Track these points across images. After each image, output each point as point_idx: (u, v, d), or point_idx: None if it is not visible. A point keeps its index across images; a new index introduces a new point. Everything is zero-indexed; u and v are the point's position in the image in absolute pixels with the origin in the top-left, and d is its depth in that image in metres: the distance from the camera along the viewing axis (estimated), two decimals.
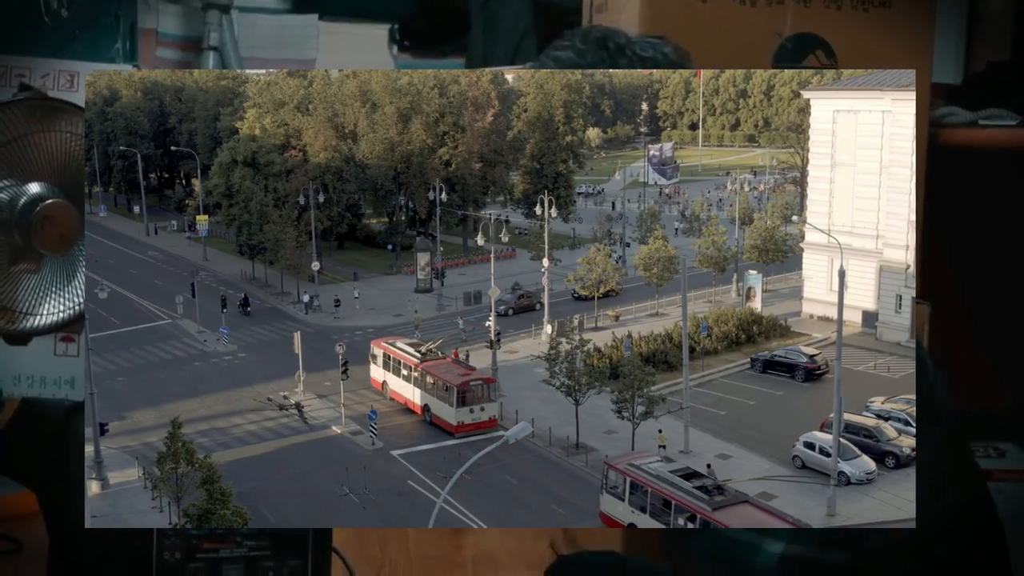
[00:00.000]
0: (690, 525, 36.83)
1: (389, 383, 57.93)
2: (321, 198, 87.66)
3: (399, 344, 58.92)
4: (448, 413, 52.23)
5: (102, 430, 46.62)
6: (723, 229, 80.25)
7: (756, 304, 72.60)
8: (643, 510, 39.29)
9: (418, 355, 55.99)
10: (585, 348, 52.83)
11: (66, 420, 20.49)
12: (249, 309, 77.41)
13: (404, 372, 56.34)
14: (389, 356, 58.13)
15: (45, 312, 18.88)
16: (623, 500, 40.49)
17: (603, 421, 51.16)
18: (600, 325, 71.55)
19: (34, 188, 18.24)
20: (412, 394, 55.54)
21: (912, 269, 59.54)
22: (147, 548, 16.31)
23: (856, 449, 45.99)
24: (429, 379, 54.11)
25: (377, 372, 59.24)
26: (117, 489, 45.21)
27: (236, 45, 22.67)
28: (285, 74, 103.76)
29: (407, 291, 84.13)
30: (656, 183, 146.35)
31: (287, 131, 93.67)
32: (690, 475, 39.66)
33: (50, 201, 17.89)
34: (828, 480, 42.91)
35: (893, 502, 42.21)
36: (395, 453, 50.02)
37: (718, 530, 33.64)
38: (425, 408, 53.92)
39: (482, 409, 52.17)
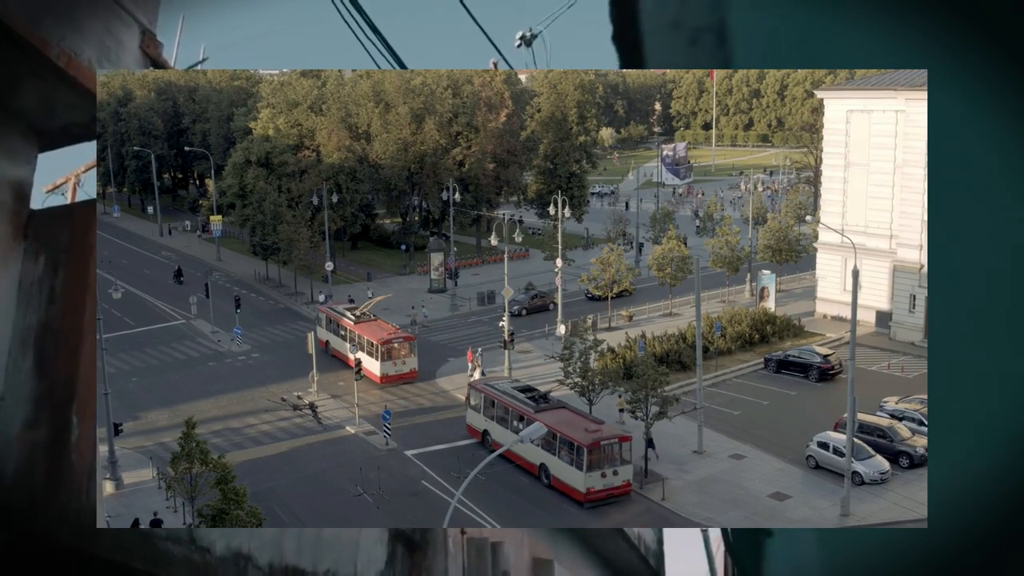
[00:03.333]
0: (520, 426, 46.41)
1: (331, 342, 65.02)
2: (335, 198, 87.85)
3: (338, 308, 67.20)
4: (375, 366, 59.83)
5: (116, 430, 46.78)
6: (737, 229, 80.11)
7: (770, 304, 72.48)
8: (492, 418, 49.82)
9: (353, 317, 63.94)
10: (599, 348, 52.87)
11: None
12: (183, 279, 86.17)
13: (341, 332, 64.49)
14: (330, 319, 66.34)
15: None
16: (480, 412, 50.91)
17: (616, 421, 51.18)
18: (614, 325, 71.53)
19: None
20: (347, 351, 62.94)
21: (926, 269, 59.46)
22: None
23: (870, 449, 45.92)
24: (360, 338, 61.85)
25: (322, 333, 66.50)
26: (131, 489, 45.36)
27: None
28: (299, 74, 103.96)
29: (420, 291, 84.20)
30: (668, 183, 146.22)
31: (300, 131, 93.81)
32: (526, 390, 50.43)
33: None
34: (842, 480, 42.86)
35: (906, 503, 42.12)
36: (409, 453, 50.06)
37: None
38: (357, 362, 57.91)
39: (404, 362, 60.71)
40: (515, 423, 47.80)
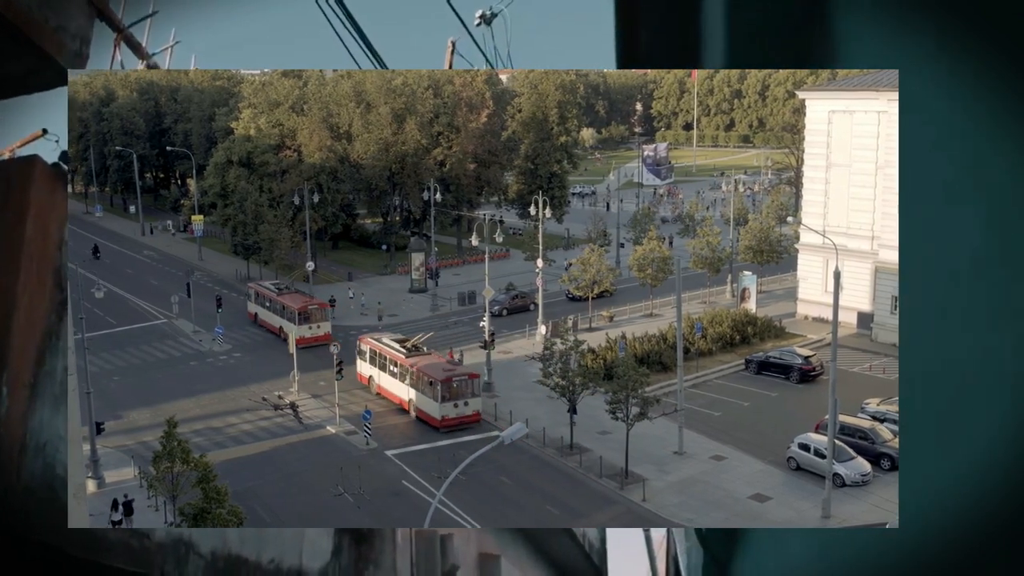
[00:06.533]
0: (394, 370, 56.22)
1: (259, 314, 74.51)
2: (316, 198, 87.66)
3: (265, 284, 77.04)
4: (292, 330, 66.29)
5: (98, 429, 46.69)
6: (718, 230, 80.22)
7: (751, 305, 72.67)
8: (375, 365, 58.51)
9: (276, 290, 73.97)
10: (579, 349, 52.92)
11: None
12: (99, 255, 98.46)
13: (267, 304, 73.68)
14: (259, 294, 75.50)
15: None
16: (366, 361, 59.47)
17: (597, 422, 51.19)
18: (594, 326, 71.57)
19: None
20: (273, 320, 71.86)
21: None
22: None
23: (851, 451, 45.98)
24: (282, 307, 70.90)
25: (252, 307, 76.34)
26: (113, 488, 45.14)
27: None
28: (280, 74, 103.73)
29: (401, 291, 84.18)
30: (648, 183, 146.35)
31: (282, 131, 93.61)
32: (402, 342, 58.54)
33: None
34: (823, 482, 42.96)
35: (887, 505, 42.24)
36: (389, 453, 50.06)
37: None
38: (280, 328, 69.30)
39: (318, 327, 69.00)
40: (391, 367, 56.84)
